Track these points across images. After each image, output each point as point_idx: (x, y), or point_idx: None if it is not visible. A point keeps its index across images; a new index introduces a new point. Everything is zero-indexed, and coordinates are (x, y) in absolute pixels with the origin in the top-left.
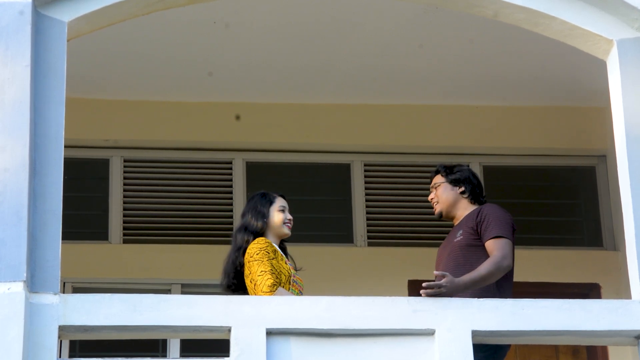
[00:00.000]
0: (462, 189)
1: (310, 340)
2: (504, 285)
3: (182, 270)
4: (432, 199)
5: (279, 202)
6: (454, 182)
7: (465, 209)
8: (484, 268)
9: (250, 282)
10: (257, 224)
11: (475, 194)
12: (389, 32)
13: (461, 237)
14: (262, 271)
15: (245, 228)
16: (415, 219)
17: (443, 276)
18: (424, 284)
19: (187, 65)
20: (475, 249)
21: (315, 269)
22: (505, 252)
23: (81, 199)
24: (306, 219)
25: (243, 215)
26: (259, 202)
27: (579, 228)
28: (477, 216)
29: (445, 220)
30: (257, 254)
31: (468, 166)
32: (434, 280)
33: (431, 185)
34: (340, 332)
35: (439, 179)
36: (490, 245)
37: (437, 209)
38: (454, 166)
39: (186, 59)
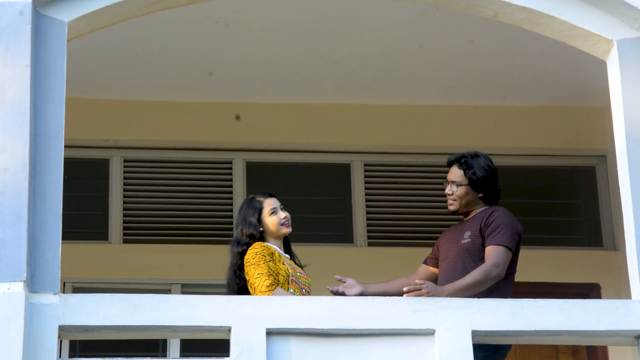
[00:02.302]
0: (482, 194)
1: (310, 340)
2: (505, 289)
3: (182, 270)
4: (449, 194)
5: (268, 206)
6: (476, 186)
7: (479, 208)
8: (471, 277)
9: (250, 286)
10: (248, 234)
11: (492, 195)
12: (389, 32)
13: (469, 239)
14: (258, 274)
15: (237, 242)
16: (415, 219)
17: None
18: (405, 289)
19: (187, 65)
20: (482, 253)
21: (315, 269)
22: (498, 261)
23: (81, 199)
24: (306, 219)
25: (236, 226)
26: (247, 212)
27: (579, 228)
28: (486, 219)
29: (446, 216)
30: (253, 259)
31: (485, 157)
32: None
33: (450, 180)
34: (340, 332)
35: (460, 177)
36: (487, 252)
37: (454, 206)
38: (477, 162)
39: (186, 59)
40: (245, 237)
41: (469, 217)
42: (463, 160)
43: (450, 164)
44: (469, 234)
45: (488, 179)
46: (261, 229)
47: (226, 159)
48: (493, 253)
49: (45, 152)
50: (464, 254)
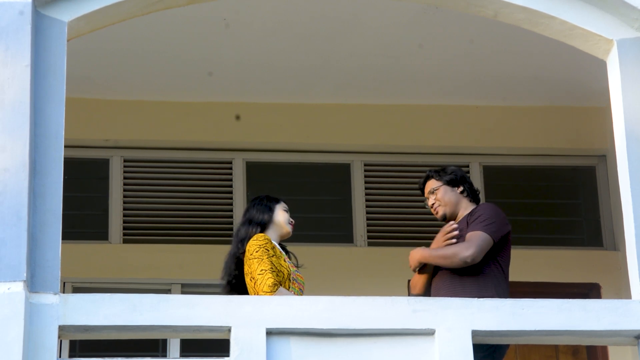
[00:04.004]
0: (461, 188)
1: (310, 340)
2: (501, 284)
3: (182, 270)
4: (432, 204)
5: (283, 204)
6: (452, 183)
7: (465, 208)
8: (443, 250)
9: (251, 280)
10: (263, 216)
11: (472, 192)
12: (389, 32)
13: (460, 237)
14: (262, 270)
15: (249, 221)
16: (415, 219)
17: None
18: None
19: (187, 65)
20: None
21: (315, 269)
22: (470, 244)
23: (81, 199)
24: (306, 219)
25: (246, 212)
26: (265, 199)
27: (579, 228)
28: (470, 214)
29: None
30: (256, 252)
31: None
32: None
33: (428, 192)
34: (340, 332)
35: (434, 183)
36: (466, 237)
37: (441, 211)
38: (444, 168)
39: (186, 59)
40: (259, 217)
41: (458, 221)
42: (431, 172)
43: (423, 184)
44: (459, 232)
45: (460, 176)
46: (272, 214)
47: (226, 159)
48: (470, 237)
49: (45, 152)
50: None
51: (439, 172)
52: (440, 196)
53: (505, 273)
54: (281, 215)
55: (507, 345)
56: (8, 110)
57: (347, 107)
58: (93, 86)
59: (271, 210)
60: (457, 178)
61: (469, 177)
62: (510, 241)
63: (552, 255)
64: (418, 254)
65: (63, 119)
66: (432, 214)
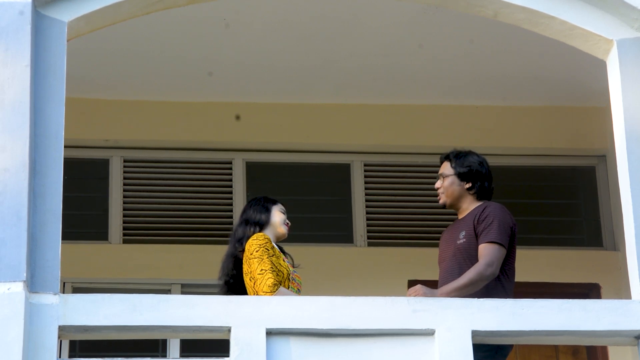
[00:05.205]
0: (469, 185)
1: (310, 340)
2: (505, 286)
3: (182, 270)
4: (438, 187)
5: (280, 206)
6: (462, 176)
7: (470, 203)
8: (464, 278)
9: (250, 280)
10: (261, 217)
11: (482, 190)
12: (389, 32)
13: (464, 239)
14: (262, 269)
15: (246, 221)
16: (415, 219)
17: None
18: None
19: (187, 65)
20: (477, 252)
21: (315, 269)
22: (491, 260)
23: (81, 199)
24: (306, 219)
25: (244, 212)
26: (262, 200)
27: (579, 228)
28: (478, 215)
29: (446, 216)
30: (256, 251)
31: (478, 156)
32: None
33: (439, 173)
34: (340, 332)
35: (448, 169)
36: (480, 250)
37: (442, 199)
38: (466, 156)
39: (186, 59)
40: (256, 217)
41: (463, 215)
42: (452, 155)
43: (441, 162)
44: (464, 233)
45: (475, 171)
46: (269, 214)
47: (226, 159)
48: (486, 251)
49: (45, 152)
50: (459, 255)
51: (457, 160)
52: (446, 185)
53: (508, 274)
54: (277, 216)
55: (511, 346)
56: (8, 110)
57: (347, 107)
58: (93, 86)
59: (268, 211)
60: (470, 173)
61: (486, 168)
62: (515, 242)
63: (552, 255)
64: (438, 295)
65: (63, 119)
66: (431, 214)
